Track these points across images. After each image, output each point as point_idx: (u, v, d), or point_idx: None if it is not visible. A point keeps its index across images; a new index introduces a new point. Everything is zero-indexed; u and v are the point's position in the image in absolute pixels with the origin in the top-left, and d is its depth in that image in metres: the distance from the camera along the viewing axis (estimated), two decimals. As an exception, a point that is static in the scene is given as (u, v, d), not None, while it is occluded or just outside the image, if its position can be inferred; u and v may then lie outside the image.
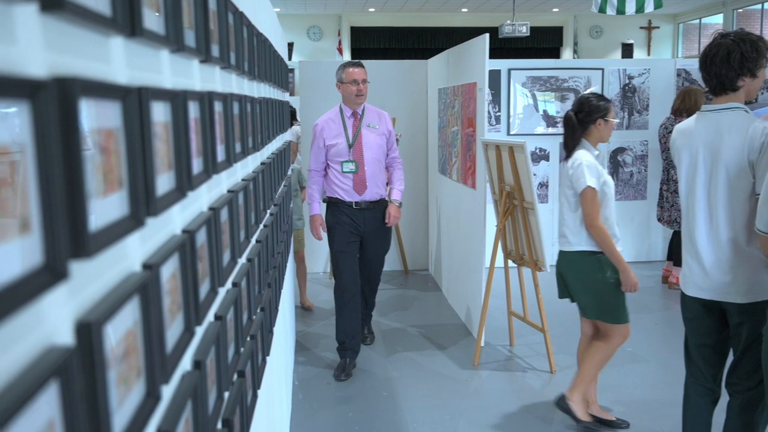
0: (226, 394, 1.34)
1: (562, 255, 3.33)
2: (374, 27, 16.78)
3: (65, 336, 0.60)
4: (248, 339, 1.68)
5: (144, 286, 0.79)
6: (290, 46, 14.70)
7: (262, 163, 2.23)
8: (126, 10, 0.77)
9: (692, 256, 2.60)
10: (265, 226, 2.17)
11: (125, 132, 0.76)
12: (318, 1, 14.72)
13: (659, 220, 5.89)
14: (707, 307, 2.60)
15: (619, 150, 6.51)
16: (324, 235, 4.28)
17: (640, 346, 4.43)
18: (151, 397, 0.82)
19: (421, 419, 3.52)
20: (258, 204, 2.00)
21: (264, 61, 2.41)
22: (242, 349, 1.57)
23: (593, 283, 3.20)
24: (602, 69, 6.49)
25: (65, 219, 0.56)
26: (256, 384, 1.82)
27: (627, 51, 17.23)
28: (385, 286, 5.85)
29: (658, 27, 17.28)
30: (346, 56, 16.16)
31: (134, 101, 0.77)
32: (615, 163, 6.52)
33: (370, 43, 16.63)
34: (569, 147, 3.32)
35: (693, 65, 6.61)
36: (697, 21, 16.59)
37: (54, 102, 0.55)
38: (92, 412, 0.62)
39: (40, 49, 0.58)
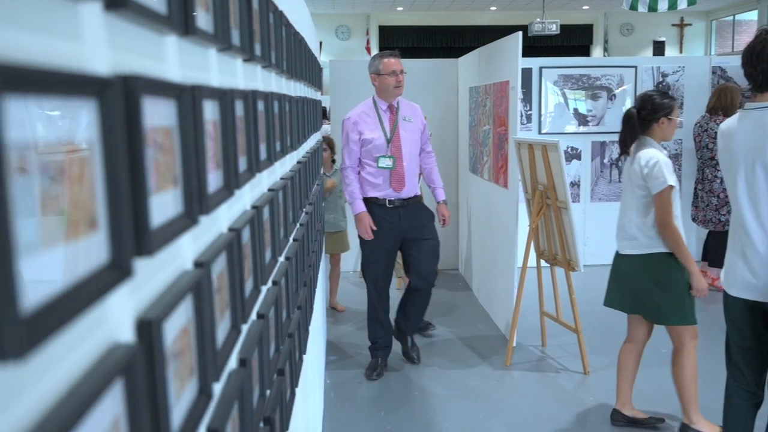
0: (268, 393, 1.34)
1: (630, 259, 3.19)
2: (402, 26, 16.77)
3: (126, 334, 0.60)
4: (287, 337, 1.69)
5: (197, 285, 0.79)
6: (319, 45, 14.74)
7: (298, 162, 2.24)
8: (180, 9, 0.78)
9: (739, 256, 2.54)
10: (301, 224, 2.17)
11: (180, 130, 0.76)
12: (346, 0, 14.74)
13: (693, 220, 5.80)
14: (751, 308, 2.55)
15: (653, 149, 6.42)
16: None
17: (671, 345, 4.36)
18: (204, 394, 0.82)
19: (453, 419, 3.51)
20: (295, 203, 2.01)
21: (300, 60, 2.42)
22: (282, 348, 1.58)
23: (673, 286, 3.08)
24: (635, 67, 6.41)
25: (130, 217, 0.56)
26: (294, 382, 1.82)
27: (658, 49, 17.00)
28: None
29: (690, 24, 17.03)
30: (375, 55, 16.16)
31: (189, 100, 0.77)
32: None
33: (398, 42, 16.61)
34: (627, 145, 3.20)
35: (728, 63, 6.50)
36: (731, 18, 16.31)
37: (120, 100, 0.55)
38: (153, 410, 0.62)
39: (104, 47, 0.59)
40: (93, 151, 0.52)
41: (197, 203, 0.80)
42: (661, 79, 6.41)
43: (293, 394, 1.78)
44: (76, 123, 0.49)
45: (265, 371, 1.29)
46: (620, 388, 3.37)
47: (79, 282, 0.48)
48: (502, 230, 4.64)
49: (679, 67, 6.46)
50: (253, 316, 1.26)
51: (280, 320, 1.55)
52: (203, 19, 0.89)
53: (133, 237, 0.57)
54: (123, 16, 0.62)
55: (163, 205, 0.70)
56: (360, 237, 4.02)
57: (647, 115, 3.14)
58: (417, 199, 4.06)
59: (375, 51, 16.37)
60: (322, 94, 4.73)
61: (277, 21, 1.69)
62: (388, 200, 3.96)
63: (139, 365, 0.57)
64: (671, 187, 3.01)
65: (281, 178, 1.78)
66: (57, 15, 0.50)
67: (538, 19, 12.82)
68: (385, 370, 4.10)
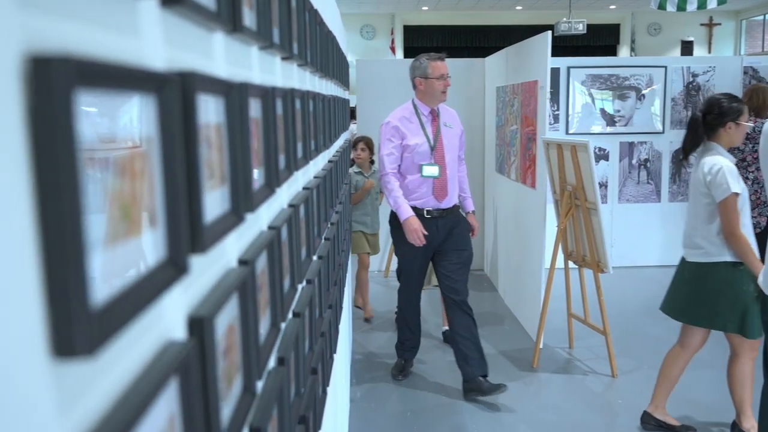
0: (302, 392, 1.34)
1: (695, 266, 3.10)
2: (427, 26, 16.73)
3: (179, 331, 0.60)
4: (319, 336, 1.68)
5: (243, 283, 0.79)
6: (344, 45, 14.75)
7: (329, 161, 2.24)
8: (229, 6, 0.77)
9: None
10: (332, 223, 2.17)
11: (228, 128, 0.76)
12: None
13: (724, 222, 5.72)
14: None
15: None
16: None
17: (710, 351, 4.29)
18: (248, 393, 0.82)
19: (480, 421, 3.49)
20: (327, 201, 2.01)
21: (332, 59, 2.42)
22: (315, 347, 1.58)
23: (736, 295, 2.98)
24: (665, 67, 6.33)
25: (186, 214, 0.56)
26: (326, 381, 1.82)
27: (687, 49, 16.78)
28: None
29: (719, 24, 16.79)
30: (399, 55, 16.16)
31: (237, 97, 0.77)
32: (678, 164, 6.35)
33: (422, 42, 16.58)
34: (688, 151, 3.13)
35: (760, 63, 6.40)
36: (762, 17, 16.07)
37: (178, 97, 0.55)
38: (205, 408, 0.61)
39: (160, 44, 0.58)
40: (152, 147, 0.52)
41: (243, 201, 0.80)
42: (691, 80, 6.33)
43: (324, 393, 1.78)
44: (137, 119, 0.49)
45: (300, 370, 1.29)
46: (658, 392, 3.32)
47: (140, 279, 0.47)
48: (529, 231, 4.61)
49: (710, 67, 6.37)
50: (289, 314, 1.26)
51: (313, 319, 1.55)
52: (248, 17, 0.89)
53: (189, 234, 0.56)
54: (177, 12, 0.62)
55: (213, 202, 0.70)
56: (395, 243, 3.89)
57: (713, 120, 3.05)
58: (455, 209, 3.87)
59: (399, 51, 16.38)
60: (349, 94, 4.72)
61: (312, 20, 1.69)
62: (426, 210, 3.74)
63: (194, 363, 0.57)
64: (736, 194, 2.91)
65: (314, 177, 1.78)
66: (117, 10, 0.50)
67: (565, 19, 12.72)
68: (411, 371, 4.09)
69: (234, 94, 0.77)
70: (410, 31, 16.83)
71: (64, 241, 0.36)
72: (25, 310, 0.35)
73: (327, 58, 2.17)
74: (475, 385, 3.67)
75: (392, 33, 16.52)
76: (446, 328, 4.46)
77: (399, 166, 3.76)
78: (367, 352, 4.45)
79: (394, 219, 3.79)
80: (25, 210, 0.35)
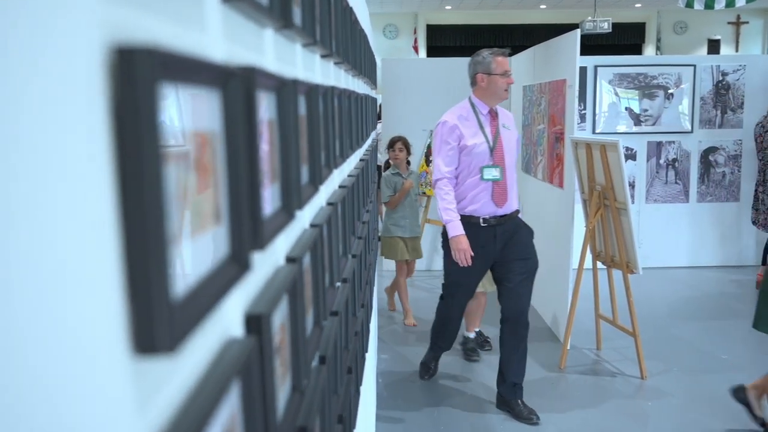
0: (341, 390, 1.34)
1: None
2: (450, 25, 16.67)
3: (237, 328, 0.60)
4: (354, 335, 1.68)
5: (293, 280, 0.78)
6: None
7: (360, 160, 2.23)
8: (280, 2, 0.77)
9: None
10: (363, 222, 2.16)
11: (279, 124, 0.76)
12: (395, -1, 14.75)
13: (754, 223, 5.64)
14: None
15: (711, 149, 6.26)
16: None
17: (736, 353, 4.25)
18: (297, 391, 0.81)
19: (507, 422, 3.46)
20: (359, 200, 2.00)
21: (363, 57, 2.41)
22: (350, 346, 1.57)
23: None
24: (694, 65, 6.25)
25: (249, 210, 0.55)
26: (359, 380, 1.82)
27: (713, 47, 16.57)
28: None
29: (747, 22, 16.54)
30: (422, 54, 16.12)
31: (289, 93, 0.77)
32: (706, 164, 6.27)
33: (446, 41, 16.53)
34: None
35: (792, 61, 6.30)
36: (791, 15, 15.82)
37: (242, 92, 0.54)
38: (263, 407, 0.61)
39: (221, 38, 0.58)
40: (216, 142, 0.51)
41: (294, 198, 0.79)
42: (720, 78, 6.24)
43: (358, 392, 1.77)
44: (205, 113, 0.49)
45: (338, 369, 1.28)
46: (763, 381, 3.23)
47: (210, 276, 0.47)
48: (557, 231, 4.56)
49: (740, 65, 6.28)
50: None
51: (348, 318, 1.54)
52: (296, 14, 0.89)
53: (251, 231, 0.56)
54: (234, 7, 0.62)
55: (266, 199, 0.69)
56: (445, 253, 3.53)
57: None
58: (515, 216, 3.53)
59: (422, 50, 16.34)
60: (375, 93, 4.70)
61: (348, 18, 1.68)
62: (483, 218, 3.42)
63: (255, 361, 0.56)
64: None
65: (348, 175, 1.78)
66: (186, 2, 0.49)
67: (590, 18, 12.61)
68: (438, 371, 4.07)
69: (285, 90, 0.76)
70: (433, 31, 16.77)
71: (147, 236, 0.35)
72: (106, 307, 0.35)
73: (359, 56, 2.16)
74: (511, 405, 3.53)
75: (415, 32, 16.49)
76: (470, 333, 4.41)
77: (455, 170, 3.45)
78: (393, 351, 4.44)
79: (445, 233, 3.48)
80: (108, 205, 0.35)
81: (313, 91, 1.01)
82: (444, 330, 3.79)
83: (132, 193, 0.35)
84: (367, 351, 2.13)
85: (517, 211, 3.55)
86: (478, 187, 3.40)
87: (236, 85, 0.52)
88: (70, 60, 0.32)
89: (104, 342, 0.35)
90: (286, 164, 0.76)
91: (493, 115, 3.50)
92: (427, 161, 5.74)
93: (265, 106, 0.70)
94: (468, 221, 3.39)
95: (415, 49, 16.25)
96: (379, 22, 16.37)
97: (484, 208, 3.40)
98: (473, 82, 3.51)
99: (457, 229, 3.35)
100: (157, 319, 0.36)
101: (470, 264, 3.37)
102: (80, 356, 0.33)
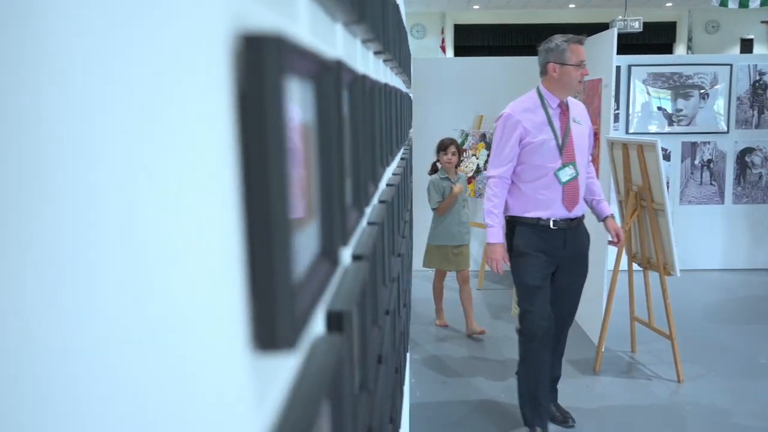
0: (391, 391, 1.33)
1: None
2: (478, 24, 16.61)
3: (318, 325, 0.59)
4: (400, 335, 1.67)
5: (363, 277, 0.78)
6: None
7: (402, 158, 2.22)
8: (352, -4, 0.76)
9: None
10: (405, 221, 2.15)
11: (351, 120, 0.75)
12: (422, -1, 14.73)
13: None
14: None
15: (748, 150, 6.15)
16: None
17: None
18: (365, 391, 0.80)
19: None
20: (402, 200, 1.99)
21: (404, 56, 2.40)
22: (397, 346, 1.56)
23: None
24: (730, 65, 6.15)
25: (340, 205, 0.54)
26: (402, 380, 1.81)
27: (746, 47, 16.31)
28: (495, 286, 5.77)
29: (780, 21, 16.28)
30: (449, 54, 16.08)
31: (360, 88, 0.76)
32: (743, 164, 6.17)
33: (473, 41, 16.48)
34: None
35: (832, 60, 6.18)
36: (826, 14, 15.53)
37: (335, 85, 0.53)
38: (345, 404, 0.60)
39: (306, 31, 0.57)
40: (311, 136, 0.50)
41: (363, 195, 0.78)
42: (758, 78, 6.13)
43: (402, 393, 1.76)
44: (306, 106, 0.48)
45: (389, 369, 1.27)
46: None
47: (311, 272, 0.46)
48: (592, 232, 4.50)
49: (778, 65, 6.17)
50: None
51: (396, 317, 1.53)
52: (368, 8, 0.88)
53: (341, 226, 0.55)
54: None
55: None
56: (513, 271, 3.20)
57: None
58: (581, 220, 3.24)
59: (450, 50, 16.29)
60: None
61: (395, 15, 1.68)
62: (553, 221, 3.09)
63: (344, 360, 0.55)
64: None
65: (393, 174, 1.77)
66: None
67: (620, 17, 12.48)
68: (469, 373, 4.04)
69: (358, 85, 0.75)
70: (461, 30, 16.72)
71: (272, 232, 0.34)
72: (229, 303, 0.34)
73: (402, 54, 2.16)
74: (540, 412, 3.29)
75: (443, 32, 16.45)
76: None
77: (515, 169, 3.12)
78: (423, 351, 4.42)
79: (516, 236, 3.14)
80: (232, 198, 0.34)
81: (375, 87, 1.00)
82: (528, 358, 3.23)
83: (256, 185, 0.34)
84: (407, 350, 2.11)
85: (584, 215, 3.25)
86: (549, 186, 3.07)
87: (330, 79, 0.51)
88: (198, 46, 0.32)
89: (227, 340, 0.34)
90: (357, 161, 0.75)
91: (564, 108, 3.16)
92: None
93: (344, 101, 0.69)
94: (537, 223, 3.08)
95: (443, 48, 16.21)
96: (406, 22, 16.36)
97: (552, 210, 3.08)
98: (543, 72, 3.19)
99: (497, 237, 3.09)
100: (280, 316, 0.35)
101: (501, 274, 3.22)
102: (205, 353, 0.32)
